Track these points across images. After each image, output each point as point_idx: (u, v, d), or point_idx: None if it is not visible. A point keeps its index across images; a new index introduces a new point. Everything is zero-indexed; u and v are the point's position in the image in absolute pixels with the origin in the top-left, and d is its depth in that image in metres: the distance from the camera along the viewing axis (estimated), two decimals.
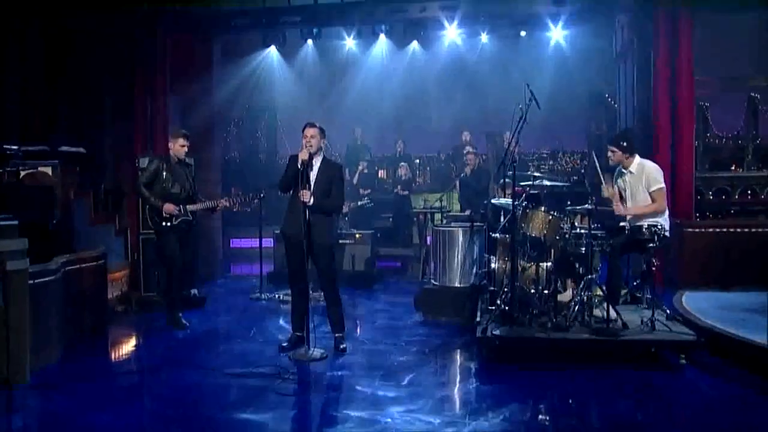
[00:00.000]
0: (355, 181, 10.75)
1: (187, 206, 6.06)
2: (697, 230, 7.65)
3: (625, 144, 5.38)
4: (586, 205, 4.92)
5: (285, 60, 12.58)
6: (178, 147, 6.08)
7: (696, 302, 6.15)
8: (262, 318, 6.64)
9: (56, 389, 4.39)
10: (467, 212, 8.55)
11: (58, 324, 4.92)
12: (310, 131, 5.17)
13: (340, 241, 8.62)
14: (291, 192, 5.21)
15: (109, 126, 7.77)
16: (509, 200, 5.54)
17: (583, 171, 4.92)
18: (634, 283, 5.68)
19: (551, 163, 13.29)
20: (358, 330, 6.15)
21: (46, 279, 4.61)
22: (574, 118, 13.13)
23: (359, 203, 8.16)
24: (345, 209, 7.53)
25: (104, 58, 7.67)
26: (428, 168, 13.50)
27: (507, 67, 12.41)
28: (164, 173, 6.01)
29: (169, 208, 5.94)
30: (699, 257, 7.46)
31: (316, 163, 5.23)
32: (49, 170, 5.75)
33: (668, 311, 5.17)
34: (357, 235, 8.74)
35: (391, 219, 10.79)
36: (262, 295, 7.67)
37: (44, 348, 4.66)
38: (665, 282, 7.84)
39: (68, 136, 6.68)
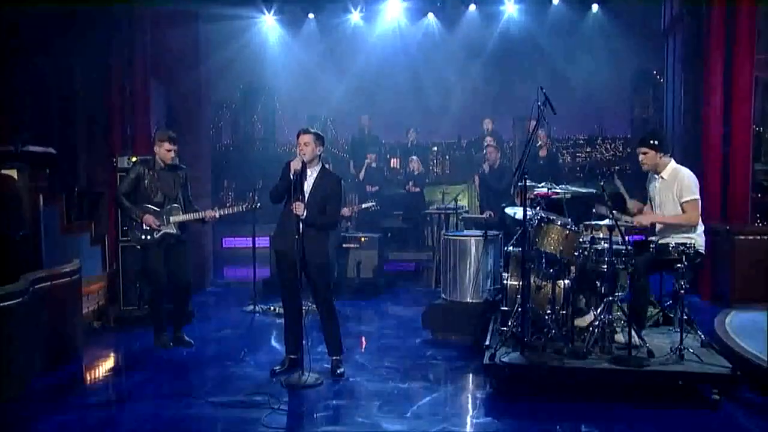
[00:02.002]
0: (361, 176, 10.92)
1: (171, 218, 6.24)
2: (750, 237, 7.67)
3: (656, 142, 5.47)
4: (607, 220, 5.05)
5: (284, 36, 12.78)
6: (164, 151, 6.19)
7: (743, 324, 6.21)
8: (254, 335, 6.90)
9: (21, 425, 4.62)
10: (486, 214, 8.71)
11: (26, 350, 5.13)
12: (304, 138, 5.36)
13: (344, 246, 8.85)
14: (284, 203, 5.42)
15: (82, 120, 7.96)
16: (534, 210, 5.71)
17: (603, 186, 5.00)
18: (667, 303, 5.81)
19: (588, 150, 13.41)
20: (359, 350, 6.38)
21: (13, 302, 4.83)
22: (616, 99, 13.21)
23: (363, 206, 8.33)
24: (348, 213, 7.74)
25: (74, 43, 7.83)
26: (447, 157, 13.69)
27: (538, 42, 12.51)
28: (146, 179, 6.18)
29: (148, 220, 6.12)
30: (753, 269, 7.46)
31: (312, 173, 5.43)
32: (13, 173, 5.87)
33: (702, 337, 5.28)
34: (362, 239, 8.95)
35: (402, 218, 10.98)
36: (256, 307, 7.91)
37: (8, 378, 4.86)
38: (714, 298, 7.94)
39: (35, 134, 6.87)
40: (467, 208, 9.59)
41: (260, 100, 13.70)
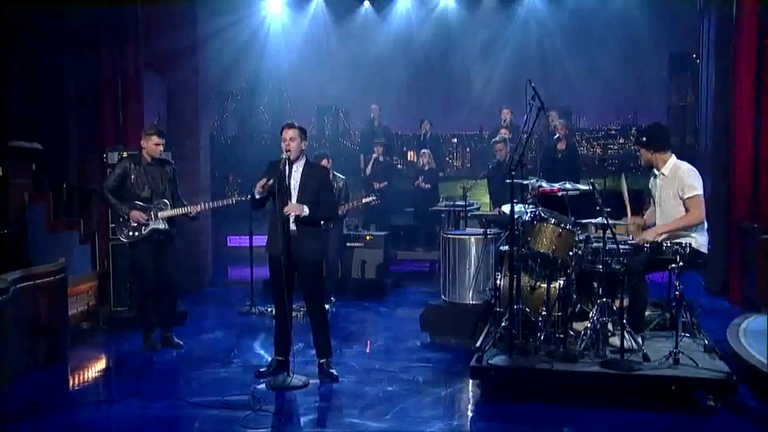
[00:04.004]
0: (368, 171, 11.19)
1: (159, 213, 6.62)
2: None
3: (644, 139, 5.71)
4: (600, 219, 5.26)
5: (291, 21, 13.12)
6: (152, 146, 6.56)
7: (758, 328, 6.33)
8: (247, 337, 7.25)
9: (1, 426, 4.99)
10: (496, 211, 8.93)
11: (7, 351, 5.51)
12: (289, 132, 5.70)
13: (348, 244, 9.20)
14: (270, 205, 5.78)
15: (72, 114, 8.39)
16: (523, 206, 5.98)
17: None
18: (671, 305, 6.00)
19: (621, 141, 13.50)
20: (353, 352, 6.70)
21: None
22: (652, 85, 13.25)
23: (364, 201, 8.63)
24: (345, 209, 8.08)
25: (63, 33, 8.20)
26: (468, 149, 13.91)
27: (565, 25, 12.65)
28: (132, 175, 6.57)
29: (135, 215, 6.51)
30: None
31: (298, 167, 5.77)
32: None
33: (706, 342, 5.49)
34: (367, 237, 9.27)
35: (413, 215, 11.26)
36: (253, 309, 8.26)
37: None
38: (743, 302, 8.08)
39: (24, 128, 7.28)
40: (479, 205, 9.79)
41: (267, 90, 14.01)
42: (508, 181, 5.40)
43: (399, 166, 13.26)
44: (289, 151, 5.67)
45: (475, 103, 13.66)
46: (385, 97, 12.90)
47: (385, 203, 10.37)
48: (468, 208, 8.90)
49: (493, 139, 9.58)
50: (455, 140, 13.94)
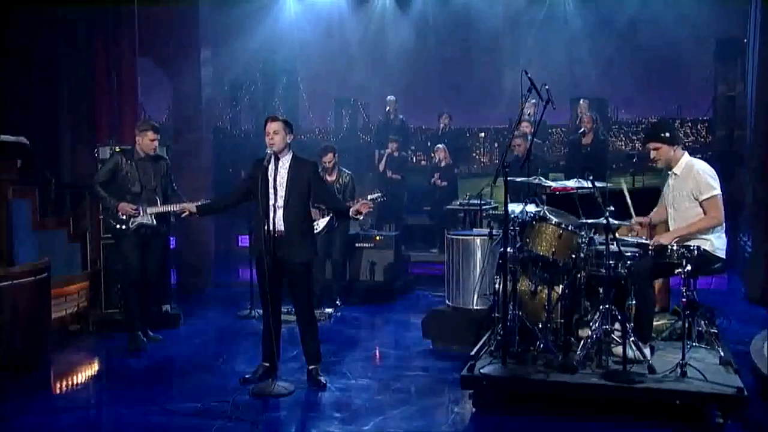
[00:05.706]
0: (381, 166, 11.21)
1: (148, 208, 6.85)
2: None
3: (667, 135, 5.60)
4: (601, 219, 5.18)
5: (306, 10, 13.19)
6: (147, 142, 6.84)
7: None
8: (240, 341, 7.34)
9: None
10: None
11: None
12: (272, 125, 5.80)
13: (357, 245, 9.23)
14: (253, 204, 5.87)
15: (65, 108, 8.58)
16: (523, 205, 5.95)
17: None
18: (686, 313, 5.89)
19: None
20: (348, 358, 6.72)
21: None
22: (697, 73, 13.02)
23: (369, 198, 8.61)
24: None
25: (57, 24, 8.36)
26: (496, 144, 13.83)
27: (600, 8, 12.50)
28: (124, 170, 6.84)
29: (124, 208, 6.75)
30: None
31: (284, 162, 5.83)
32: None
33: (722, 353, 5.38)
34: (377, 237, 9.30)
35: (429, 215, 11.23)
36: (252, 312, 8.33)
37: None
38: None
39: (15, 122, 7.43)
40: (496, 204, 9.70)
41: (282, 82, 14.12)
42: (504, 178, 5.35)
43: (423, 162, 13.23)
44: (273, 144, 5.74)
45: (503, 95, 13.55)
46: (408, 89, 12.91)
47: (400, 201, 10.36)
48: (483, 207, 8.87)
49: (513, 136, 9.50)
50: (482, 134, 13.86)
